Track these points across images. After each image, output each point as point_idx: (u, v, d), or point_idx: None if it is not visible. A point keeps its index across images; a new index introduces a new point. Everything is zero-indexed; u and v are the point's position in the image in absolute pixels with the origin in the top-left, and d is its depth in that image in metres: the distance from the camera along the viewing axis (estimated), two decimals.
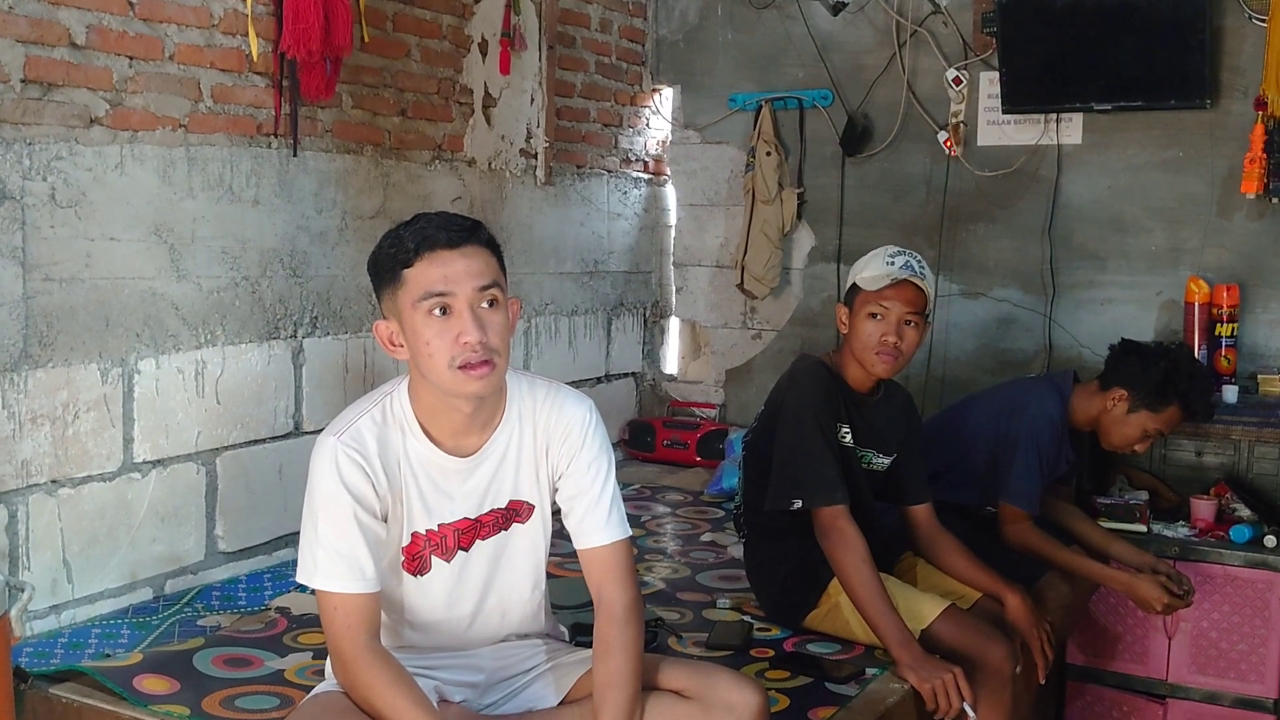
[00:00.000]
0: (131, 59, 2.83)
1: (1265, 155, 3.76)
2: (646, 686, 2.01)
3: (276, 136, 3.20)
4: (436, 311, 1.90)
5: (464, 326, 1.89)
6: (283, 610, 2.90)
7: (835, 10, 4.45)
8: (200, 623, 2.80)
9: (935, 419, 3.60)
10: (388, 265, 1.95)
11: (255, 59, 3.10)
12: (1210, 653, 3.55)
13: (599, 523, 2.09)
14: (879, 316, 2.74)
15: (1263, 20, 3.76)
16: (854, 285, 2.81)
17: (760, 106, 4.61)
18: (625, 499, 4.21)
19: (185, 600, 2.92)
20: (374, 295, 2.04)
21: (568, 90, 4.38)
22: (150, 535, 2.93)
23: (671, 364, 5.02)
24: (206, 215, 3.03)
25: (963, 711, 2.51)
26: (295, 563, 3.19)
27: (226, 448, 3.11)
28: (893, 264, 2.73)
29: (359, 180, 3.46)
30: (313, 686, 2.14)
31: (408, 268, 1.91)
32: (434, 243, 1.91)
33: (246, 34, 3.07)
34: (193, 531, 3.04)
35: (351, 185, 3.44)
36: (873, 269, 2.76)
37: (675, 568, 3.41)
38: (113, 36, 2.78)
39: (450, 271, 1.90)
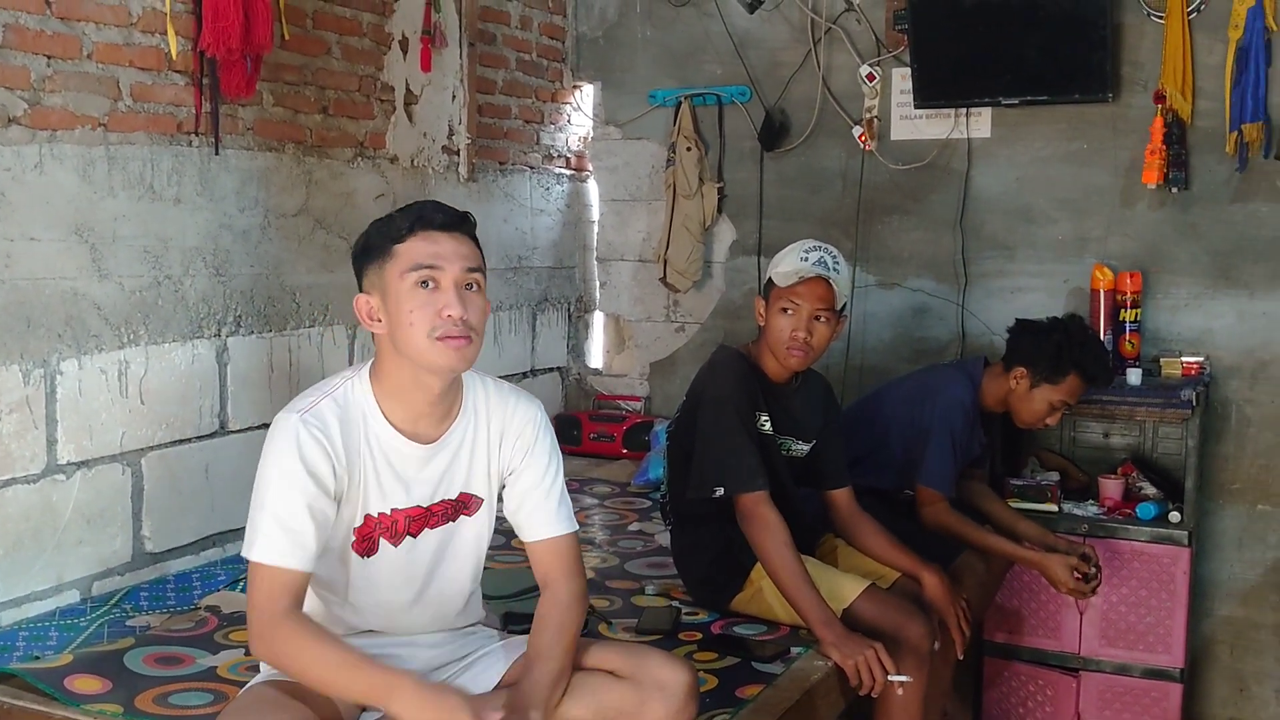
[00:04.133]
0: (49, 58, 2.81)
1: (1164, 147, 3.90)
2: (580, 667, 2.07)
3: (197, 135, 3.19)
4: (423, 284, 1.96)
5: (448, 300, 1.96)
6: (213, 609, 2.90)
7: (751, 8, 4.54)
8: (129, 623, 2.79)
9: (853, 407, 3.70)
10: (378, 240, 2.02)
11: (174, 57, 3.08)
12: (1120, 626, 3.70)
13: (549, 517, 2.17)
14: (791, 311, 2.82)
15: (1160, 17, 3.91)
16: (769, 280, 2.89)
17: (680, 103, 4.68)
18: None
19: (113, 602, 2.91)
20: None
21: (489, 87, 4.41)
22: (76, 537, 2.91)
23: (596, 358, 5.07)
24: (128, 214, 3.01)
25: (888, 682, 2.61)
26: (224, 562, 3.23)
27: (152, 448, 3.10)
28: (806, 260, 2.81)
29: (281, 178, 3.46)
30: (246, 682, 2.16)
31: (399, 242, 1.99)
32: (428, 222, 1.99)
33: (165, 32, 3.06)
34: (119, 533, 3.03)
35: (274, 183, 3.44)
36: (786, 264, 2.84)
37: (604, 557, 3.46)
38: (30, 35, 2.76)
39: (441, 249, 1.98)
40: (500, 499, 2.21)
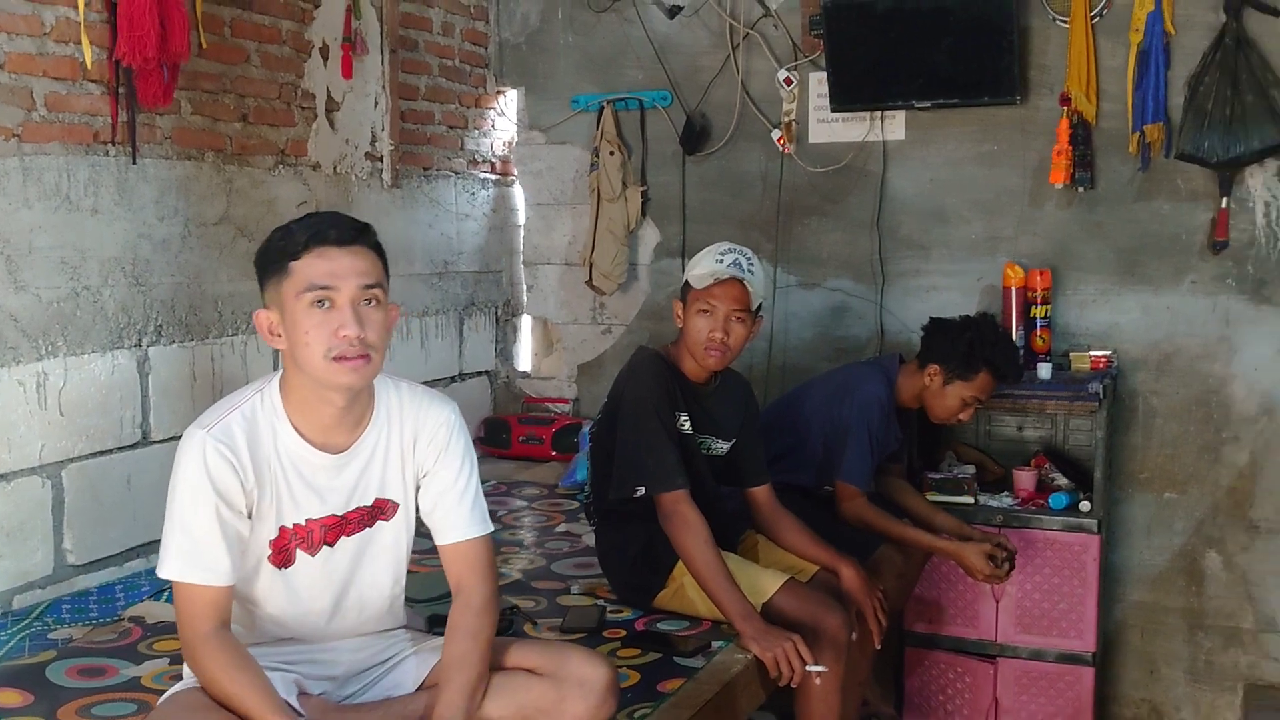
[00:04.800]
0: None
1: (1071, 148, 4.03)
2: (499, 667, 2.11)
3: (114, 144, 3.18)
4: (319, 304, 1.96)
5: (344, 320, 1.96)
6: (136, 620, 2.89)
7: (671, 14, 4.61)
8: (51, 636, 2.77)
9: (773, 406, 3.77)
10: (275, 256, 2.01)
11: (90, 67, 3.07)
12: (1034, 613, 3.81)
13: (462, 519, 2.18)
14: (707, 313, 2.89)
15: (1065, 21, 4.04)
16: (686, 282, 2.95)
17: (602, 107, 4.73)
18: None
19: (35, 615, 2.88)
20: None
21: (411, 93, 4.43)
22: None
23: (525, 361, 5.11)
24: (44, 225, 2.99)
25: (807, 672, 2.68)
26: (148, 573, 3.22)
27: (72, 460, 3.08)
28: (721, 262, 2.88)
29: (201, 187, 3.46)
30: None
31: (295, 260, 1.98)
32: (323, 238, 1.98)
33: (80, 42, 3.04)
34: (40, 545, 3.01)
35: (193, 192, 3.43)
36: (702, 267, 2.90)
37: (532, 559, 3.50)
38: None
39: (336, 267, 1.97)
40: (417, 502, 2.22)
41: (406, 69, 4.38)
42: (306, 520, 2.08)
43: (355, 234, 2.02)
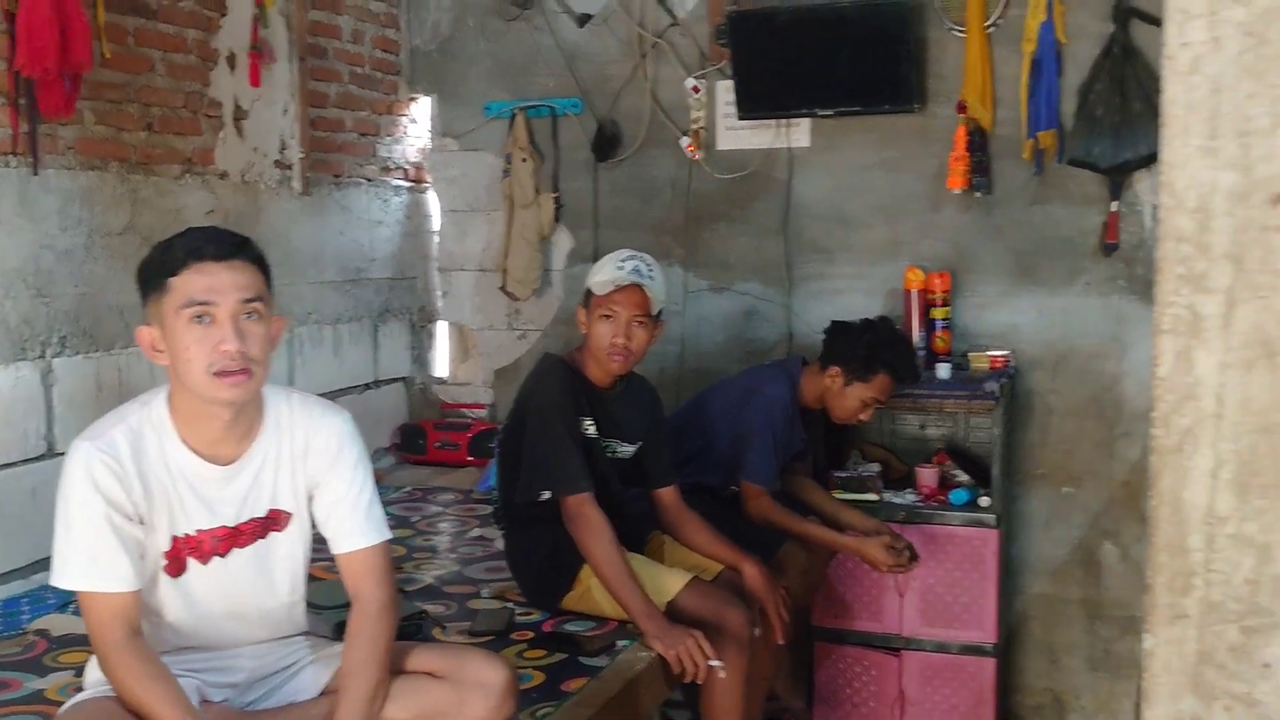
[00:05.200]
0: None
1: (968, 154, 4.16)
2: (400, 671, 2.15)
3: (15, 155, 3.16)
4: (198, 319, 1.98)
5: (224, 335, 1.97)
6: (42, 633, 2.88)
7: (581, 22, 4.67)
8: None
9: (682, 408, 3.84)
10: (155, 272, 2.01)
11: None
12: (937, 606, 3.92)
13: (356, 528, 2.19)
14: (610, 318, 2.95)
15: (961, 31, 4.16)
16: (588, 289, 3.01)
17: (514, 114, 4.78)
18: (397, 501, 4.31)
19: None
20: (137, 307, 2.08)
21: (321, 101, 4.43)
22: None
23: (441, 367, 5.13)
24: None
25: (711, 668, 2.75)
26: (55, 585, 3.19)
27: None
28: (622, 269, 2.94)
29: (105, 197, 3.45)
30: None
31: (173, 276, 1.98)
32: (201, 254, 1.99)
33: None
34: None
35: (97, 202, 3.42)
36: (603, 274, 2.97)
37: (444, 564, 3.54)
38: None
39: (215, 282, 1.98)
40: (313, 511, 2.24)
41: (316, 76, 4.38)
42: (197, 531, 2.09)
43: (234, 248, 2.02)
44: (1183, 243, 1.34)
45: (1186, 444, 1.35)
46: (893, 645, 3.97)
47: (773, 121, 4.44)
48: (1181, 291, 1.34)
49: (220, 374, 1.98)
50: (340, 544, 2.20)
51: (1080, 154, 4.00)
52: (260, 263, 2.07)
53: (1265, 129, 1.29)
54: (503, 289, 4.82)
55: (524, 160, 4.73)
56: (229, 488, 2.11)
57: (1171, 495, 1.37)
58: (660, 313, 3.04)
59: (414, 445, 4.83)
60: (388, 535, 2.24)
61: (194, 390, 2.01)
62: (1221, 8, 1.28)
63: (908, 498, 3.99)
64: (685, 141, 4.55)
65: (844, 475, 4.01)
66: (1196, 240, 1.33)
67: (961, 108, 4.15)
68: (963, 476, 4.06)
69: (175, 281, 1.98)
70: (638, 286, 2.94)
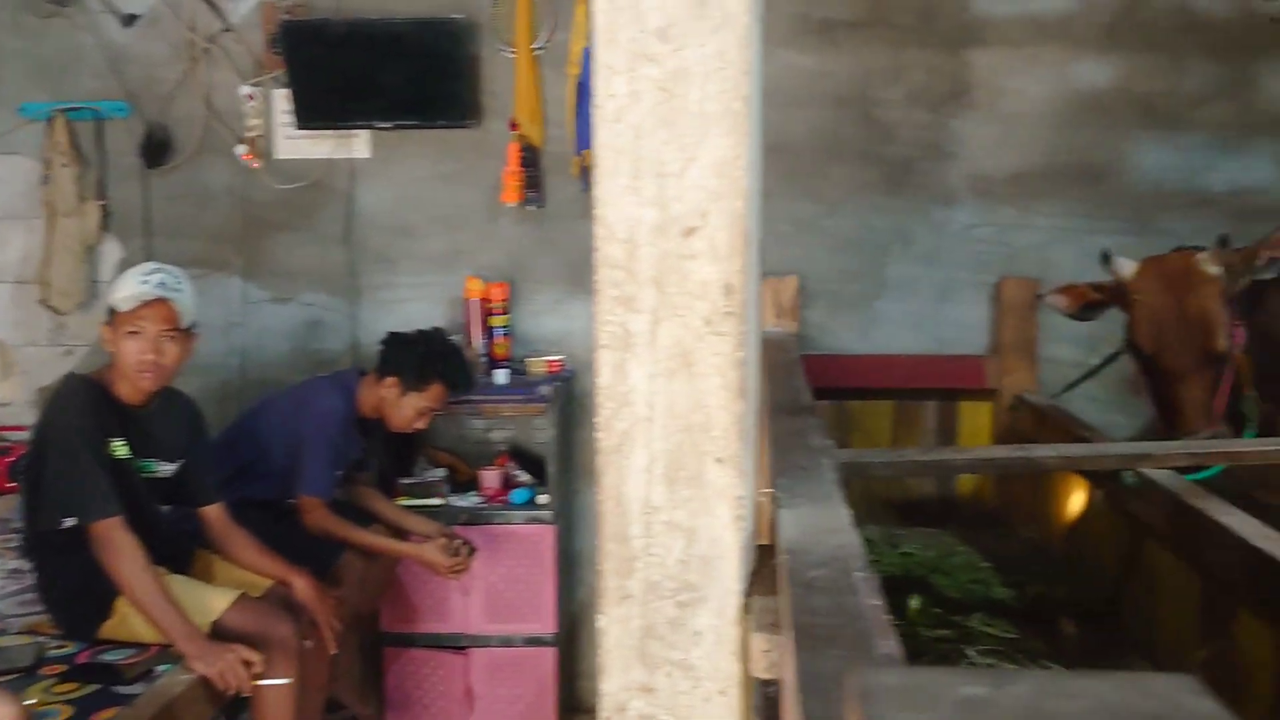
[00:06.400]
0: None
1: (522, 169, 4.36)
2: None
3: None
4: None
5: None
6: None
7: (126, 22, 4.46)
8: None
9: (235, 421, 3.79)
10: None
11: None
12: (500, 603, 4.09)
13: None
14: (137, 334, 2.88)
15: (512, 52, 4.35)
16: (111, 307, 2.92)
17: (53, 117, 4.49)
18: None
19: None
20: None
21: None
22: None
23: None
24: None
25: (261, 684, 2.75)
26: None
27: None
28: (147, 283, 2.87)
29: None
30: None
31: None
32: None
33: None
34: None
35: None
36: (127, 289, 2.88)
37: None
38: None
39: None
40: None
41: None
42: None
43: None
44: (615, 269, 1.53)
45: (625, 444, 1.54)
46: (459, 644, 4.09)
47: (332, 132, 4.45)
48: (615, 311, 1.53)
49: None
50: None
51: None
52: None
53: (677, 172, 1.49)
54: (43, 302, 4.52)
55: (65, 165, 4.46)
56: None
57: (614, 490, 1.54)
58: (193, 325, 2.98)
59: None
60: None
61: None
62: (639, 65, 1.47)
63: (472, 500, 4.13)
64: (242, 149, 4.46)
65: (410, 481, 4.09)
66: (626, 267, 1.52)
67: (514, 125, 4.34)
68: (524, 477, 4.24)
69: None
70: (164, 300, 2.88)
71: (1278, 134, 4.28)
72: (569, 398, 4.39)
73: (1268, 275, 3.05)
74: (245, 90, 4.43)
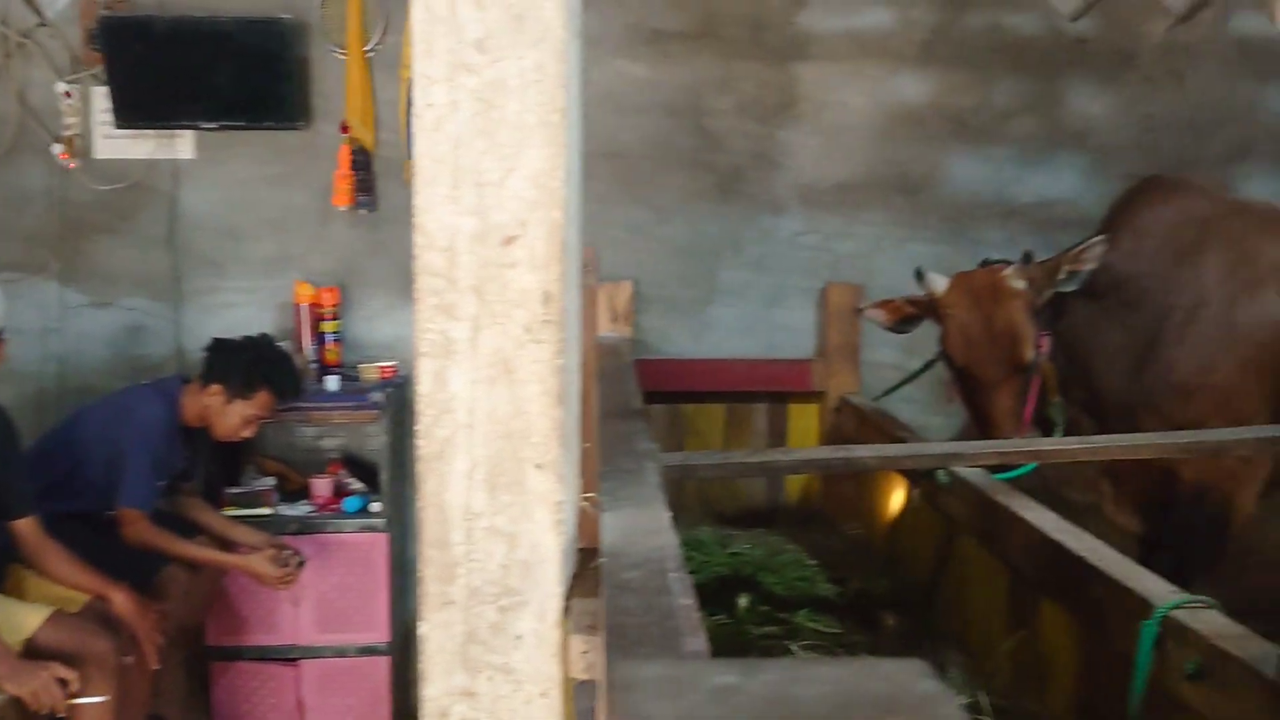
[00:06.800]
0: None
1: (353, 173, 4.30)
2: None
3: None
4: None
5: None
6: None
7: None
8: None
9: (51, 431, 3.65)
10: None
11: None
12: (332, 612, 4.02)
13: None
14: None
15: (342, 54, 4.30)
16: None
17: None
18: None
19: None
20: None
21: None
22: None
23: None
24: None
25: (77, 702, 2.66)
26: None
27: None
28: None
29: None
30: None
31: None
32: None
33: None
34: None
35: None
36: None
37: None
38: None
39: None
40: None
41: None
42: None
43: None
44: (435, 277, 1.54)
45: (446, 451, 1.55)
46: (290, 656, 4.01)
47: (154, 131, 4.31)
48: (436, 319, 1.54)
49: None
50: None
51: None
52: None
53: (496, 181, 1.52)
54: None
55: None
56: None
57: (435, 497, 1.56)
58: (1, 331, 2.86)
59: None
60: None
61: None
62: (457, 75, 1.49)
63: (302, 509, 4.06)
64: (58, 149, 4.28)
65: (238, 491, 3.99)
66: (447, 275, 1.54)
67: (345, 128, 4.29)
68: (356, 484, 4.19)
69: None
70: None
71: (1082, 148, 4.54)
72: (402, 404, 4.35)
73: (1070, 288, 3.24)
74: (62, 87, 4.26)
